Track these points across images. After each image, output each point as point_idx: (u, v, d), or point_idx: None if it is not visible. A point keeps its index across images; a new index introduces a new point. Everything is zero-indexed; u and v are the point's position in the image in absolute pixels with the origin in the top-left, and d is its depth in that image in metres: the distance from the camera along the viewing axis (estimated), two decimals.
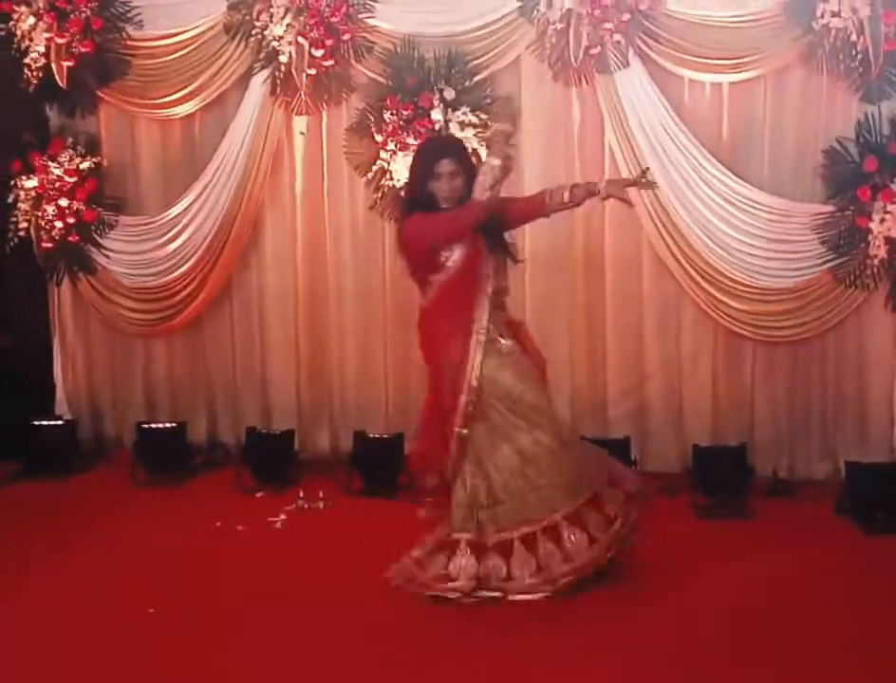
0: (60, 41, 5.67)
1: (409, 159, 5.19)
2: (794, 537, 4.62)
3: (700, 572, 4.23)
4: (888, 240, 4.90)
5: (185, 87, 5.72)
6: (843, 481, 4.98)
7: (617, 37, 5.11)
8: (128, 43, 5.77)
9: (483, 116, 5.29)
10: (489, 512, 4.02)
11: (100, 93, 5.87)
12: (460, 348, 4.05)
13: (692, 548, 4.52)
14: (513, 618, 3.84)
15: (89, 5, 5.67)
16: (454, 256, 4.05)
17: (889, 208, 4.86)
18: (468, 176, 4.04)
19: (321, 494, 5.17)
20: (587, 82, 5.26)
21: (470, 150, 5.16)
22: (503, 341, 4.10)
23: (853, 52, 4.89)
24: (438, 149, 4.25)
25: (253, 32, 5.51)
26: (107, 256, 5.97)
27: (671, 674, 3.42)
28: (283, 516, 5.01)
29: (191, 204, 5.76)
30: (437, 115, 5.26)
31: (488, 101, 5.33)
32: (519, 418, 4.05)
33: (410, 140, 5.27)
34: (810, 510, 4.92)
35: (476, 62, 5.35)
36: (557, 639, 3.68)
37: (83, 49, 5.70)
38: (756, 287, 5.18)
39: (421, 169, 4.12)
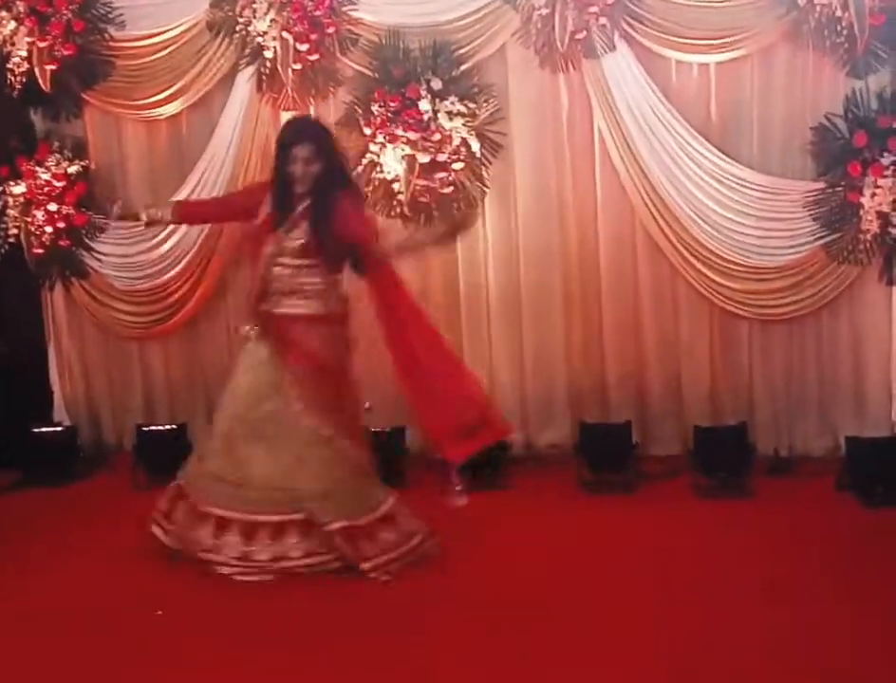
0: (42, 44, 5.63)
1: (399, 152, 5.26)
2: (796, 513, 4.66)
3: (702, 551, 4.26)
4: (880, 214, 4.92)
5: (170, 87, 5.69)
6: (843, 456, 5.00)
7: (602, 21, 5.12)
8: (111, 44, 5.75)
9: (471, 105, 5.28)
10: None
11: (84, 96, 5.84)
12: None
13: (694, 528, 4.56)
14: (504, 611, 3.78)
15: (70, 7, 5.63)
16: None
17: (880, 182, 4.88)
18: (328, 162, 4.07)
19: None
20: (573, 67, 5.27)
21: (459, 141, 5.24)
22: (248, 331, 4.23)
23: (839, 28, 4.91)
24: (294, 133, 4.18)
25: (237, 29, 5.48)
26: (99, 260, 5.95)
27: (675, 651, 3.43)
28: None
29: None
30: (424, 105, 5.24)
31: (475, 89, 5.32)
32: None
33: (399, 132, 5.25)
34: (811, 487, 4.96)
35: (461, 51, 5.34)
36: (562, 620, 3.68)
37: (65, 52, 5.66)
38: (750, 266, 5.20)
39: (278, 150, 4.16)
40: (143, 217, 4.48)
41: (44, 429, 5.86)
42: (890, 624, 3.55)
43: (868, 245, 5.00)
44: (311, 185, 4.09)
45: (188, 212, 4.79)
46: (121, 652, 3.61)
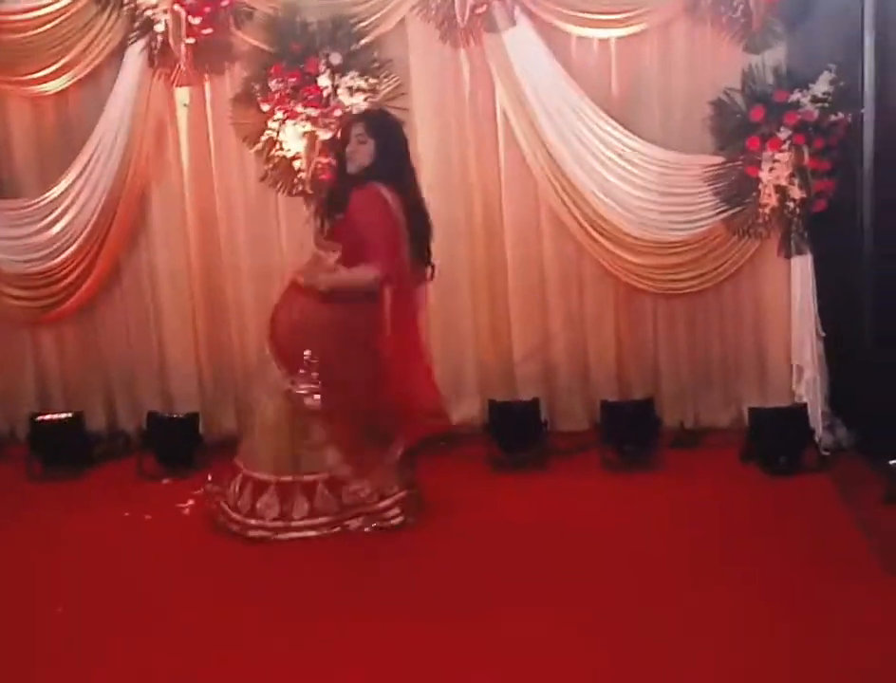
0: None
1: (299, 129, 5.16)
2: (703, 484, 4.75)
3: (614, 523, 4.36)
4: (778, 188, 4.99)
5: (56, 62, 5.41)
6: (746, 427, 5.09)
7: None
8: None
9: (372, 80, 5.19)
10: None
11: None
12: None
13: (605, 502, 4.64)
14: (422, 592, 3.82)
15: None
16: None
17: (777, 156, 4.93)
18: (378, 146, 4.18)
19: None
20: (475, 41, 5.21)
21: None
22: None
23: (735, 3, 4.97)
24: (354, 117, 4.56)
25: (126, 1, 5.26)
26: None
27: (599, 622, 3.50)
28: (191, 501, 4.88)
29: (71, 184, 5.50)
30: (324, 81, 5.13)
31: (376, 64, 5.23)
32: None
33: (298, 108, 5.13)
34: (716, 458, 5.06)
35: (361, 25, 5.22)
36: (481, 597, 3.70)
37: None
38: (653, 241, 5.23)
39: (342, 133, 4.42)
40: None
41: None
42: (790, 588, 3.67)
43: (766, 219, 5.08)
44: (357, 167, 4.20)
45: None
46: (27, 654, 3.49)
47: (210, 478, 5.02)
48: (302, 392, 4.26)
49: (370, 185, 4.16)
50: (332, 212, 4.26)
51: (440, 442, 5.23)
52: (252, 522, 4.38)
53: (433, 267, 4.37)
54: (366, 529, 4.36)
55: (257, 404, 4.52)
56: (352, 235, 4.16)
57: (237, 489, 4.46)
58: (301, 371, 4.24)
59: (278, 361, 4.35)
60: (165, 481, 5.20)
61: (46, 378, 5.92)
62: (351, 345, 4.26)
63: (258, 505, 4.38)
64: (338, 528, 4.36)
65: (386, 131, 4.27)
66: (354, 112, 5.00)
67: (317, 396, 4.24)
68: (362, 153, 4.19)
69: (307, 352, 4.23)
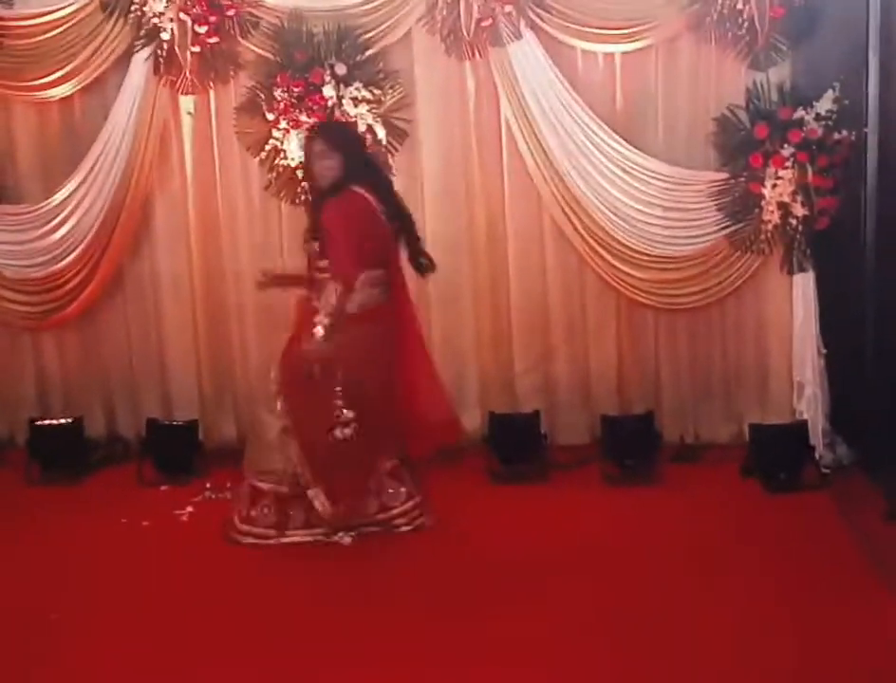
0: None
1: (302, 137, 5.15)
2: (702, 499, 4.74)
3: (616, 537, 4.35)
4: (781, 205, 4.99)
5: (61, 68, 5.43)
6: (747, 443, 5.08)
7: (508, 9, 5.09)
8: None
9: (377, 91, 5.20)
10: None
11: None
12: None
13: (606, 516, 4.63)
14: (421, 606, 3.81)
15: None
16: None
17: (781, 173, 4.94)
18: (344, 157, 4.21)
19: (228, 484, 5.01)
20: (480, 54, 5.23)
21: (364, 128, 5.15)
22: None
23: (740, 20, 4.99)
24: (310, 133, 4.54)
25: (132, 9, 5.28)
26: None
27: (603, 633, 3.51)
28: (189, 508, 4.89)
29: (75, 190, 5.51)
30: (329, 91, 5.14)
31: (381, 75, 5.24)
32: None
33: (303, 118, 5.15)
34: (716, 473, 5.05)
35: (366, 36, 5.24)
36: (484, 610, 3.68)
37: None
38: (656, 256, 5.24)
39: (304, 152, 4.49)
40: None
41: None
42: (789, 604, 3.67)
43: (769, 235, 5.08)
44: (331, 182, 4.23)
45: None
46: (22, 660, 3.49)
47: (208, 486, 5.07)
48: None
49: (346, 192, 4.20)
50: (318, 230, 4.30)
51: (439, 453, 5.24)
52: (245, 528, 4.41)
53: (429, 260, 4.48)
54: (347, 539, 4.38)
55: (260, 424, 4.53)
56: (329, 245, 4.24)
57: (239, 493, 4.52)
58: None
59: (292, 391, 4.36)
60: (164, 488, 5.20)
61: (46, 383, 5.92)
62: (374, 361, 4.31)
63: (253, 512, 4.40)
64: (326, 539, 4.38)
65: (346, 140, 4.36)
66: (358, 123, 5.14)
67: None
68: (328, 168, 4.24)
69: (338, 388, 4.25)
